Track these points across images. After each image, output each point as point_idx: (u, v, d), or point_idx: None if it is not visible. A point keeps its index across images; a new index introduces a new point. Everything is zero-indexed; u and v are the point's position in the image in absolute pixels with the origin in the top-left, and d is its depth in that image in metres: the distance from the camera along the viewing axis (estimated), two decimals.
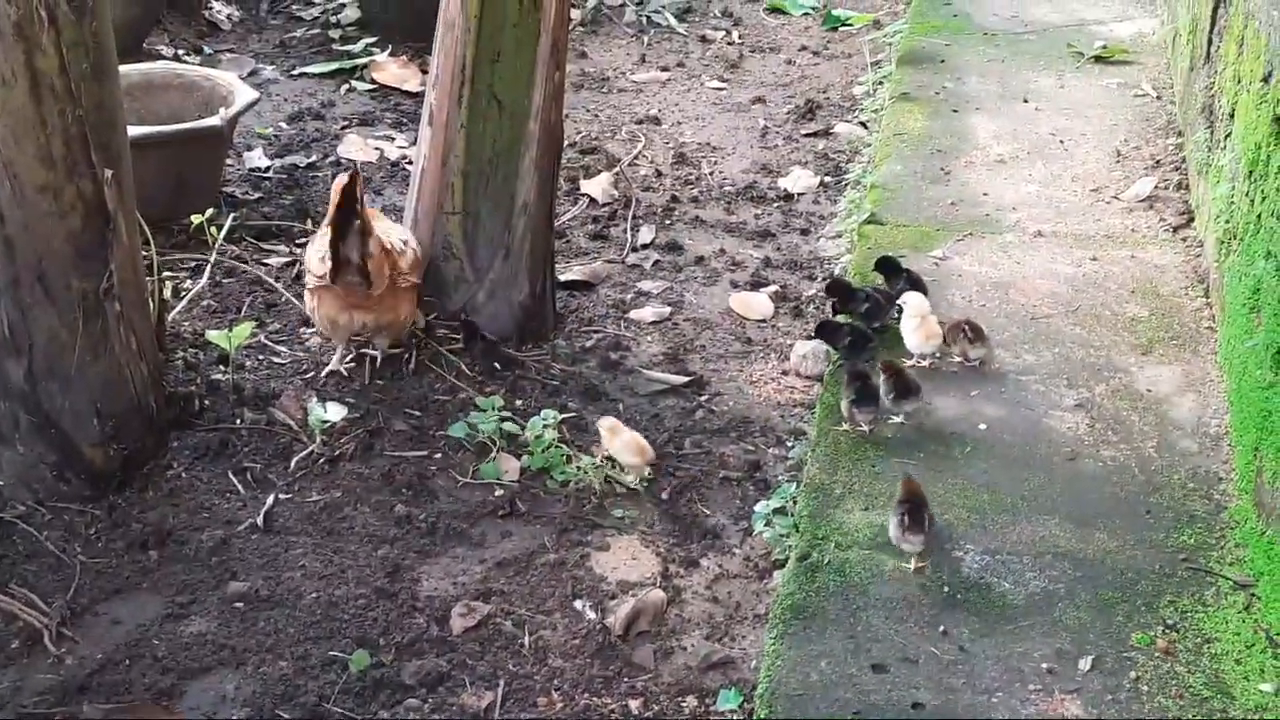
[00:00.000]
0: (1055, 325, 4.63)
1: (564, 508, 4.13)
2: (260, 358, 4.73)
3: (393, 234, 4.53)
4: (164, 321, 4.45)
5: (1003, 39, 7.05)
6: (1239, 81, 4.59)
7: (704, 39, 7.90)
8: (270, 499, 4.08)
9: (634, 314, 5.19)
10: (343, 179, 4.27)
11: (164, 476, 4.13)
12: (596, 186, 6.08)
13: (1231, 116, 4.66)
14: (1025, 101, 6.31)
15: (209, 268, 5.09)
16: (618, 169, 6.27)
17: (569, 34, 7.48)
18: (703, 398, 4.72)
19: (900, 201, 5.44)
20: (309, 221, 5.61)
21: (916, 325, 4.40)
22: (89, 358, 3.91)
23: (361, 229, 4.28)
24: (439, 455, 4.33)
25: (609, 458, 4.23)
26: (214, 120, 5.36)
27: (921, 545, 3.58)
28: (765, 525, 4.00)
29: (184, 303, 4.90)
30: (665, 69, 7.50)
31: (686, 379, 4.78)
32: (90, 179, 3.78)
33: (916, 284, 4.68)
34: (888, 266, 4.76)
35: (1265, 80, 4.19)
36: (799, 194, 6.11)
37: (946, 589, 3.51)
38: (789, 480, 4.21)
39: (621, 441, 4.21)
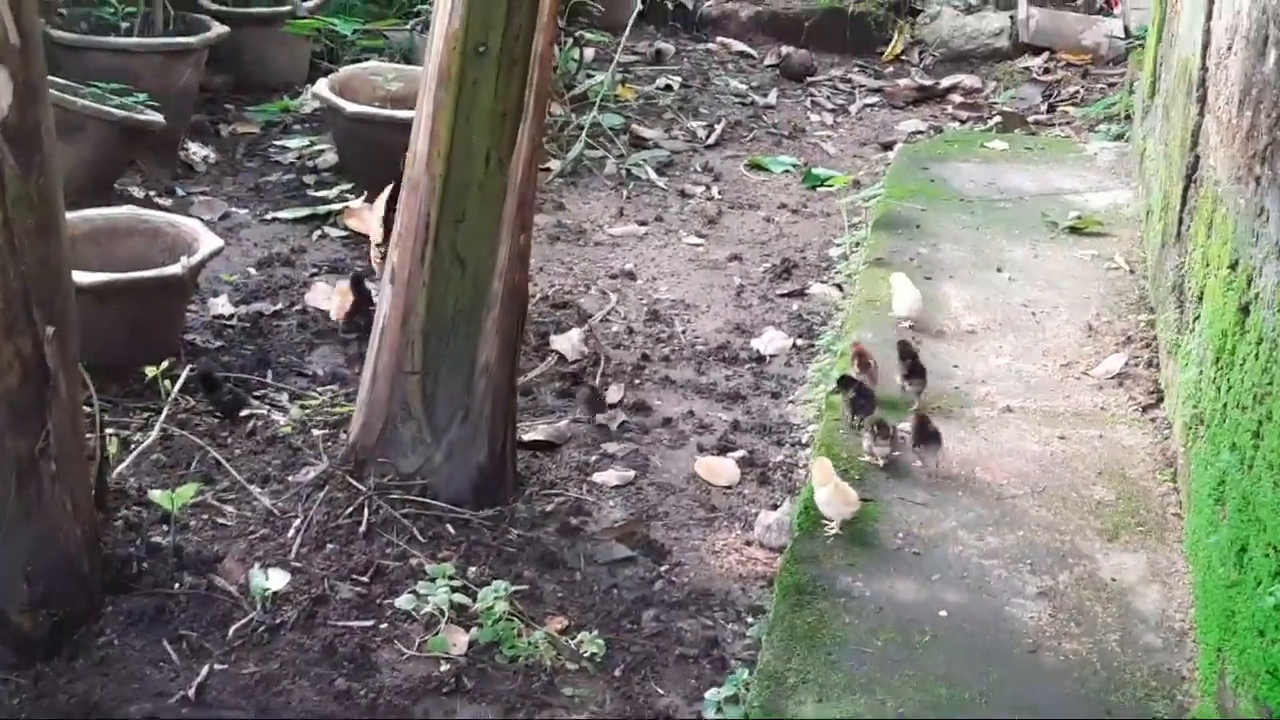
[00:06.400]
0: (1021, 506, 4.53)
1: (512, 685, 3.99)
2: (205, 517, 4.61)
3: None
4: (105, 479, 4.34)
5: (978, 206, 7.04)
6: (1207, 265, 4.56)
7: (683, 193, 7.91)
8: (205, 670, 3.92)
9: (597, 477, 5.09)
10: None
11: (95, 644, 3.98)
12: (566, 343, 6.02)
13: (1200, 299, 4.62)
14: (999, 271, 6.27)
15: (159, 422, 4.99)
16: (589, 325, 6.22)
17: (549, 184, 7.56)
18: (663, 568, 4.61)
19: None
20: (269, 373, 5.54)
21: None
22: (21, 520, 3.79)
23: None
24: (385, 625, 4.19)
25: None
26: (175, 269, 5.31)
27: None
28: (716, 713, 3.87)
29: (131, 457, 4.78)
30: (643, 223, 7.49)
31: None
32: (30, 336, 3.70)
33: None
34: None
35: (1232, 268, 4.15)
36: (771, 355, 6.05)
37: None
38: (745, 664, 4.08)
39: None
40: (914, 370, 5.13)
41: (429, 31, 4.64)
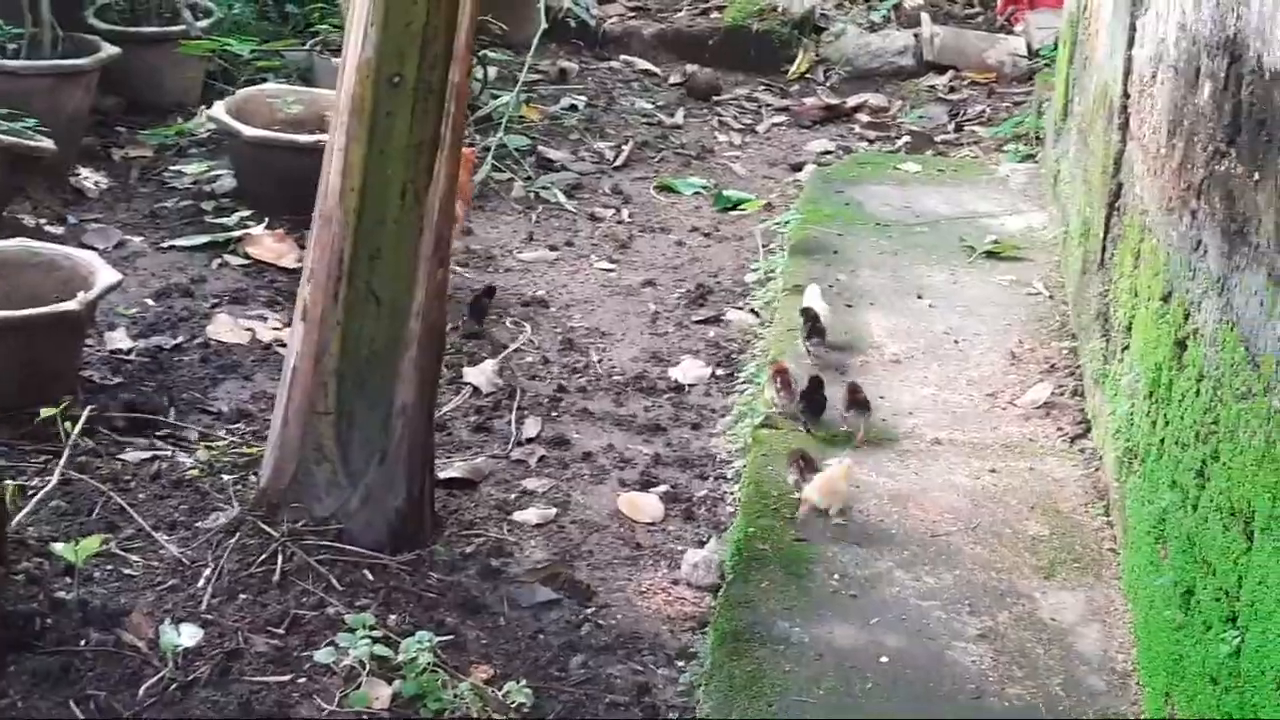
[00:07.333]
0: (955, 544, 4.46)
1: None
2: (110, 568, 4.38)
3: None
4: (4, 530, 4.10)
5: (895, 230, 6.99)
6: (1136, 295, 4.52)
7: (593, 217, 7.78)
8: None
9: (517, 516, 4.94)
10: None
11: None
12: (480, 375, 5.86)
13: (1129, 329, 4.58)
14: (919, 298, 6.22)
15: (59, 466, 4.74)
16: (503, 355, 6.06)
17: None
18: (589, 610, 4.47)
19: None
20: (172, 411, 5.31)
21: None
22: None
23: None
24: (303, 679, 3.99)
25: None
26: (71, 305, 5.06)
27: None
28: None
29: (30, 505, 4.54)
30: (554, 248, 7.34)
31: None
32: None
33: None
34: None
35: (1165, 300, 4.11)
36: (690, 385, 5.93)
37: None
38: (677, 710, 3.96)
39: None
40: (814, 331, 5.59)
41: (340, 59, 4.46)
